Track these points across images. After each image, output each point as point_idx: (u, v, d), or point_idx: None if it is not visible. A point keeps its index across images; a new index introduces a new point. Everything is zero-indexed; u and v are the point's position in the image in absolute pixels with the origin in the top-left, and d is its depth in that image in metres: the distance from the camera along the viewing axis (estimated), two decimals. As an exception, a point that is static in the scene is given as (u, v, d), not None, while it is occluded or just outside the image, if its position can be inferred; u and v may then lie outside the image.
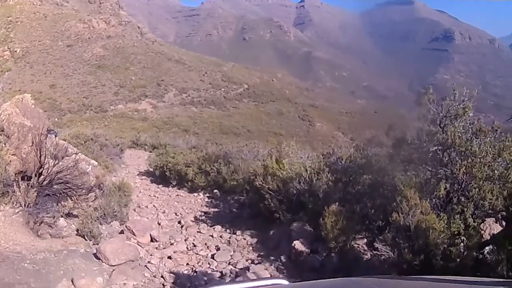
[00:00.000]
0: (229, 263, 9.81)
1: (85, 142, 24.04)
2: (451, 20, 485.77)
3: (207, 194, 17.97)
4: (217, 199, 17.00)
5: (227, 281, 8.76)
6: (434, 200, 7.48)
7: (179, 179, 20.28)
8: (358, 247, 9.47)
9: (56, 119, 79.75)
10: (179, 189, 19.68)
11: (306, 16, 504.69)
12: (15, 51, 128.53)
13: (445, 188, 7.37)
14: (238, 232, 11.80)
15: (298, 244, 9.32)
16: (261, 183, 11.48)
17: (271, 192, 11.22)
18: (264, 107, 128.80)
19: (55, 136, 14.80)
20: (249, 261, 9.88)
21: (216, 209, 15.44)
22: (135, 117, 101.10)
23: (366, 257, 9.18)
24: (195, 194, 18.25)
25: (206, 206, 16.06)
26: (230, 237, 11.56)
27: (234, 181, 16.71)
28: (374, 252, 8.96)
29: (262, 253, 10.28)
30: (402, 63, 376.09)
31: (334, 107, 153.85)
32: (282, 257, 9.63)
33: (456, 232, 6.85)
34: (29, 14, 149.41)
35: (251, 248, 10.77)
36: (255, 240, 11.21)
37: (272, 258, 9.79)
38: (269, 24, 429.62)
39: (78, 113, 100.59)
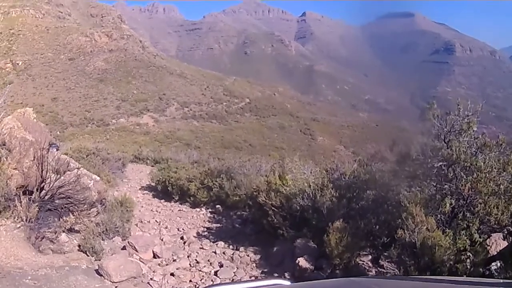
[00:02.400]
0: (232, 280, 9.59)
1: (87, 156, 24.01)
2: (452, 32, 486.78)
3: (210, 210, 17.84)
4: (219, 215, 16.88)
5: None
6: (439, 216, 7.39)
7: (181, 194, 20.19)
8: (363, 263, 9.28)
9: (58, 133, 79.57)
10: (181, 204, 19.57)
11: (307, 29, 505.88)
12: (17, 64, 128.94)
13: (451, 204, 7.29)
14: (241, 249, 11.62)
15: (302, 261, 9.16)
16: (264, 199, 11.35)
17: (274, 208, 11.09)
18: (266, 121, 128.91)
19: (57, 149, 14.73)
20: (253, 278, 9.68)
21: (218, 225, 15.31)
22: (137, 131, 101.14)
23: (371, 273, 8.94)
24: (198, 209, 18.16)
25: (209, 222, 15.94)
26: (233, 254, 11.38)
27: (237, 197, 16.59)
28: (379, 269, 8.83)
29: (265, 270, 10.14)
30: (403, 76, 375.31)
31: (336, 120, 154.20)
32: (286, 274, 9.44)
33: (462, 248, 6.75)
34: (31, 27, 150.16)
35: (254, 264, 10.61)
36: (258, 256, 11.05)
37: (276, 275, 9.56)
38: (270, 38, 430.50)
39: (80, 126, 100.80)
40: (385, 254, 8.57)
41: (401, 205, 7.58)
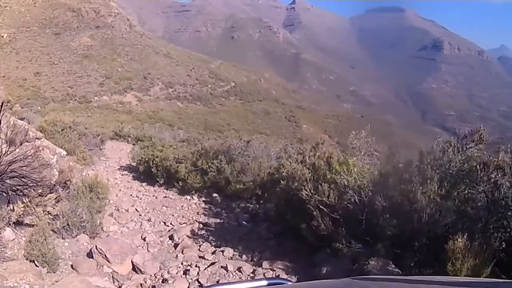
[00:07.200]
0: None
1: (62, 130, 21.43)
2: (441, 30, 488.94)
3: (203, 198, 14.58)
4: (217, 206, 13.50)
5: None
6: None
7: (167, 177, 16.94)
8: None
9: (39, 108, 77.19)
10: (167, 189, 16.36)
11: (296, 18, 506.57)
12: (2, 36, 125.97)
13: None
14: (265, 264, 7.89)
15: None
16: (309, 193, 7.51)
17: (323, 208, 7.32)
18: (251, 106, 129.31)
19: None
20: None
21: (218, 220, 11.87)
22: (120, 109, 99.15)
23: None
24: (188, 197, 14.89)
25: (204, 215, 12.54)
26: (254, 272, 7.66)
27: (241, 184, 13.34)
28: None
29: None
30: (390, 70, 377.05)
31: (321, 109, 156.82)
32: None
33: None
34: (18, 0, 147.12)
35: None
36: (294, 279, 7.29)
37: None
38: (258, 24, 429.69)
39: (61, 102, 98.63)
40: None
41: None
